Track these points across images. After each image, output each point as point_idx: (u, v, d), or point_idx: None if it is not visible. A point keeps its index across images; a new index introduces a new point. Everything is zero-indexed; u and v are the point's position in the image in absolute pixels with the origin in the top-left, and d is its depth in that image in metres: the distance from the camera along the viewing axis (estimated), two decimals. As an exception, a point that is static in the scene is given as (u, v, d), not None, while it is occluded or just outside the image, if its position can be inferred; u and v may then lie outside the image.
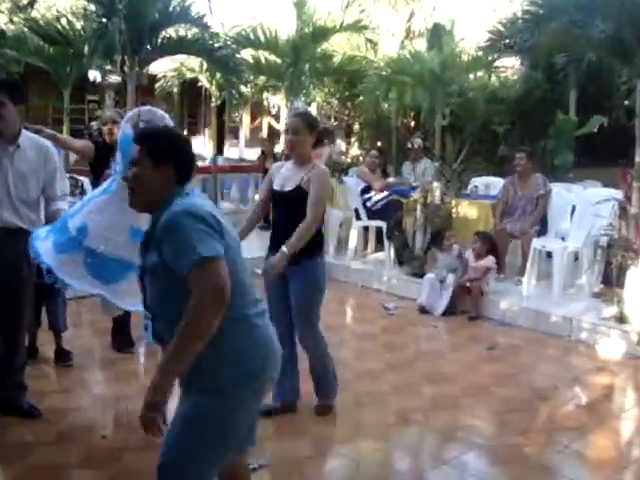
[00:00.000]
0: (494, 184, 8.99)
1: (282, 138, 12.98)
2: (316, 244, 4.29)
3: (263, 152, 11.45)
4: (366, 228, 9.18)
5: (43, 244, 3.71)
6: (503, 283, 7.59)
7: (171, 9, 9.40)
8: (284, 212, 4.30)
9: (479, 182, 9.28)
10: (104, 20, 8.73)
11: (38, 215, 4.20)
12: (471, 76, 10.98)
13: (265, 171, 10.66)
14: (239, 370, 2.46)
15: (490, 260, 7.21)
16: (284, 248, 4.08)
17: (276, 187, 4.32)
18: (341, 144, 15.91)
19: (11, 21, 12.23)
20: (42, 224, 4.11)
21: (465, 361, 5.79)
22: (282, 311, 4.29)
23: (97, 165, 5.48)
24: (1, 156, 4.01)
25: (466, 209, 8.46)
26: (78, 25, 11.00)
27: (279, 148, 12.32)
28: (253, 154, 18.41)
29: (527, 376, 5.54)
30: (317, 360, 4.50)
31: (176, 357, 2.31)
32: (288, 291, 4.33)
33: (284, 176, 4.31)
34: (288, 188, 4.24)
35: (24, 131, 4.12)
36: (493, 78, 11.19)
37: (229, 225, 2.55)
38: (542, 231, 7.78)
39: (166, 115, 3.97)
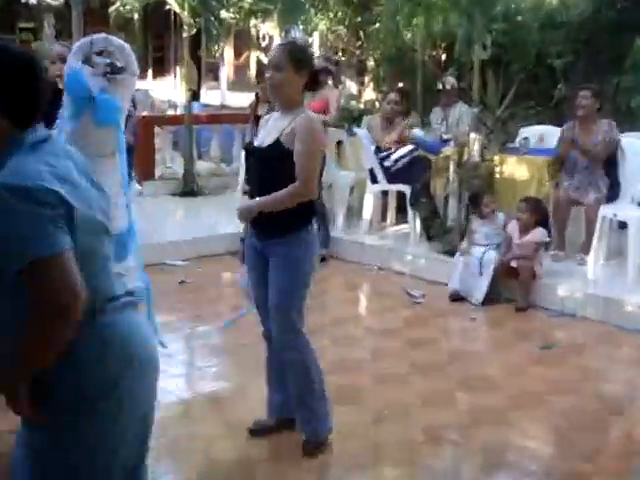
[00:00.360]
0: (550, 135, 8.91)
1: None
2: (301, 212, 4.12)
3: (257, 96, 11.39)
4: (384, 194, 9.16)
5: None
6: (562, 263, 7.59)
7: None
8: (259, 176, 4.19)
9: (530, 133, 9.21)
10: None
11: None
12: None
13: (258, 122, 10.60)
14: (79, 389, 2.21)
15: (539, 233, 7.18)
16: (254, 200, 4.10)
17: (256, 142, 4.28)
18: (351, 85, 15.87)
19: None
20: None
21: (512, 363, 5.79)
22: (265, 301, 4.24)
23: (46, 116, 5.44)
24: None
25: (513, 168, 8.42)
26: None
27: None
28: (239, 99, 18.37)
29: (594, 383, 5.53)
30: (298, 377, 4.26)
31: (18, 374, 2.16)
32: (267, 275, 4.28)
33: (267, 128, 4.24)
34: (265, 144, 4.14)
35: None
36: (550, -5, 11.10)
37: (88, 189, 2.27)
38: (613, 195, 7.74)
39: (126, 45, 3.95)
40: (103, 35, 3.93)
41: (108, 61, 3.80)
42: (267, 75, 4.13)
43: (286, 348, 4.22)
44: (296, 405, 4.33)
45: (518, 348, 6.13)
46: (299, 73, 4.08)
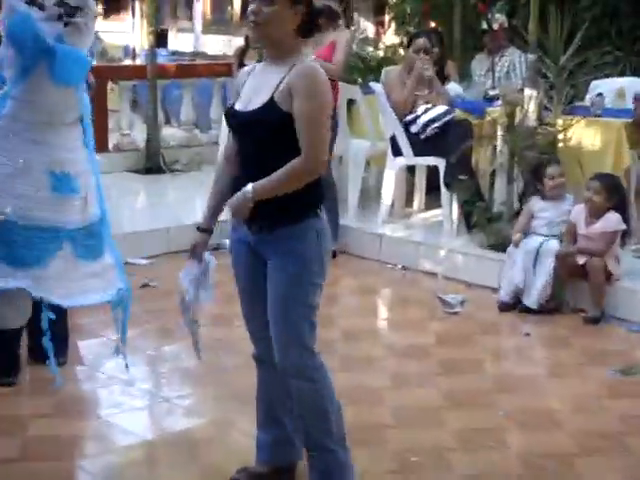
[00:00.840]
0: (632, 89, 8.88)
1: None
2: (307, 193, 4.02)
3: (246, 40, 11.31)
4: (411, 169, 9.16)
5: None
6: (647, 261, 7.60)
7: None
8: (247, 151, 4.09)
9: (606, 87, 9.18)
10: None
11: None
12: None
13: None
14: None
15: (614, 220, 7.12)
16: (249, 185, 3.90)
17: (238, 106, 4.12)
18: (367, 26, 15.87)
19: None
20: None
21: (580, 394, 5.79)
22: (260, 314, 4.21)
23: None
24: None
25: (583, 134, 8.40)
26: None
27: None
28: (217, 44, 18.38)
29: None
30: (310, 412, 4.23)
31: None
32: (264, 279, 4.17)
33: (251, 86, 4.11)
34: (254, 106, 3.99)
35: None
36: None
37: None
38: None
39: None
40: None
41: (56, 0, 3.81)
42: (251, 8, 3.94)
43: (295, 374, 4.13)
44: (304, 438, 4.30)
45: (588, 373, 6.11)
46: (294, 8, 3.96)
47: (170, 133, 12.07)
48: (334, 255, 8.41)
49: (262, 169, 3.91)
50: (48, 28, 3.72)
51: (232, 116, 4.14)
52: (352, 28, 11.04)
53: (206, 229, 4.33)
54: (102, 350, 6.29)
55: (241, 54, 10.57)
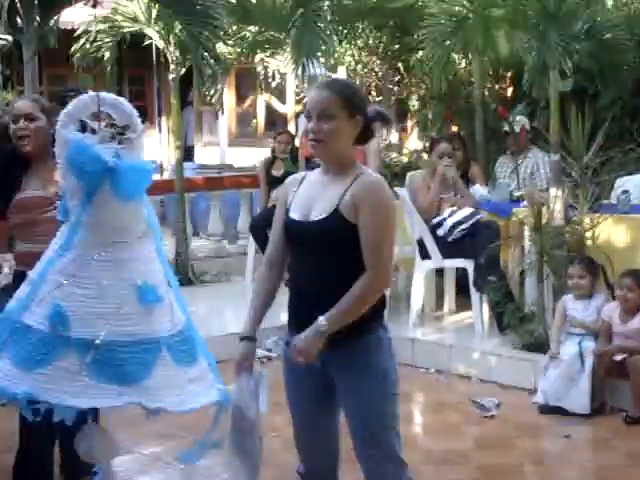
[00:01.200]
0: (659, 187, 8.87)
1: (291, 127, 12.97)
2: (377, 307, 3.90)
3: (274, 153, 11.39)
4: (439, 272, 9.10)
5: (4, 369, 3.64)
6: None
7: None
8: (313, 260, 3.88)
9: (632, 184, 9.14)
10: None
11: None
12: (610, 2, 10.91)
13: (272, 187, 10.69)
14: None
15: None
16: (322, 320, 3.69)
17: (295, 216, 3.93)
18: (390, 132, 15.91)
19: None
20: None
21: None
22: (322, 439, 4.07)
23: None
24: None
25: (610, 231, 8.33)
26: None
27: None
28: (243, 157, 18.48)
29: None
30: None
31: None
32: (330, 398, 3.99)
33: (309, 196, 3.93)
34: (317, 216, 3.82)
35: None
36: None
37: None
38: None
39: (120, 98, 3.99)
40: (105, 94, 3.98)
41: (105, 123, 3.86)
42: (310, 127, 3.84)
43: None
44: None
45: (633, 476, 5.95)
46: (353, 120, 3.87)
47: (198, 245, 12.09)
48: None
49: (323, 279, 3.81)
50: (105, 150, 3.74)
51: (291, 226, 3.95)
52: (377, 135, 11.01)
53: (251, 338, 4.12)
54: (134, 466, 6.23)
55: (268, 165, 10.60)
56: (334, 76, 14.54)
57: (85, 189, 3.69)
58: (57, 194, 5.16)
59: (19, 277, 5.57)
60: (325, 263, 3.81)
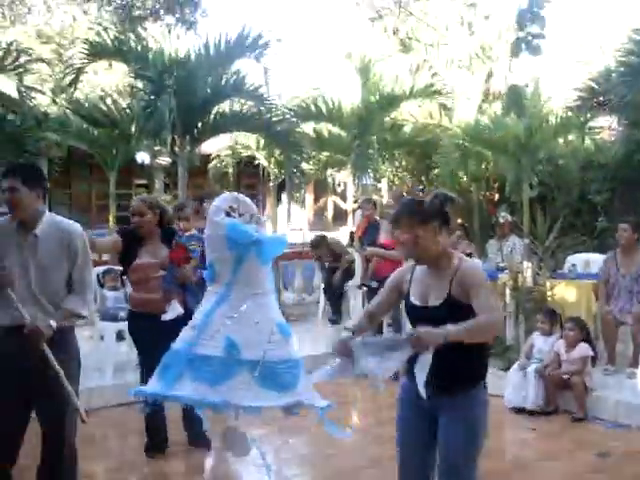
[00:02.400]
0: (595, 261, 8.80)
1: (349, 219, 13.06)
2: (481, 367, 3.43)
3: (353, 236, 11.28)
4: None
5: (191, 388, 3.55)
6: (614, 376, 7.33)
7: (224, 82, 9.70)
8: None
9: (577, 260, 9.10)
10: (152, 97, 9.02)
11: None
12: (561, 140, 10.92)
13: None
14: None
15: (584, 348, 6.98)
16: (449, 327, 3.18)
17: (416, 302, 3.49)
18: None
19: (54, 102, 12.81)
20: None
21: (571, 472, 5.52)
22: (419, 462, 3.57)
23: (125, 258, 5.72)
24: (20, 247, 4.07)
25: (563, 291, 8.27)
26: (124, 104, 11.47)
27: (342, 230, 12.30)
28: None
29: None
30: None
31: None
32: (433, 437, 3.50)
33: (423, 285, 3.47)
34: (434, 302, 3.40)
35: (48, 216, 4.17)
36: (587, 141, 11.08)
37: None
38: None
39: (247, 198, 3.99)
40: (234, 194, 3.98)
41: (239, 213, 3.87)
42: (401, 236, 3.41)
43: None
44: None
45: (576, 457, 5.84)
46: (429, 226, 3.35)
47: (287, 296, 12.09)
48: (396, 377, 8.25)
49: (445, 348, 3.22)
50: (250, 227, 3.76)
51: (413, 310, 3.50)
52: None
53: (353, 333, 3.53)
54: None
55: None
56: (378, 186, 14.67)
57: (237, 257, 3.64)
58: (162, 262, 5.55)
59: (131, 314, 5.90)
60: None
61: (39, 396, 4.07)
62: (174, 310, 5.45)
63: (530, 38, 4.64)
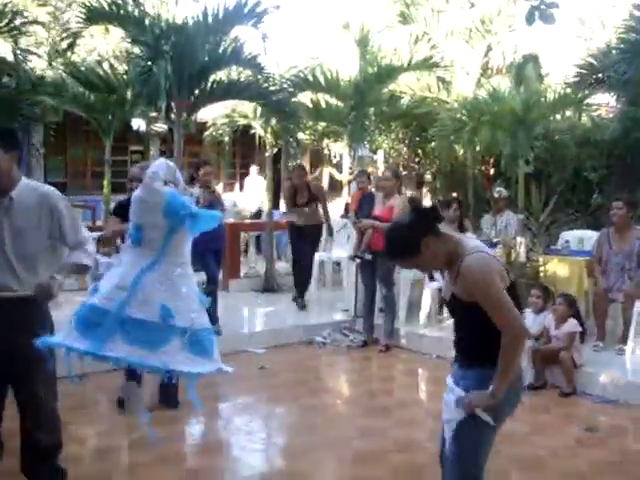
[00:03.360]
0: (588, 238, 8.81)
1: (345, 190, 13.05)
2: (492, 349, 3.19)
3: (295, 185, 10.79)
4: (440, 290, 9.05)
5: (127, 350, 3.55)
6: (602, 353, 7.38)
7: (221, 50, 9.61)
8: (456, 322, 3.44)
9: (570, 236, 9.10)
10: (149, 63, 8.95)
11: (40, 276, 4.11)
12: (558, 116, 10.88)
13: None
14: None
15: (573, 324, 6.99)
16: (490, 389, 3.15)
17: (443, 294, 3.56)
18: (413, 194, 15.92)
19: (50, 66, 12.70)
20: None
21: (559, 445, 5.56)
22: None
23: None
24: None
25: (556, 267, 8.30)
26: (121, 69, 11.39)
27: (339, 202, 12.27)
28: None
29: (637, 465, 5.27)
30: None
31: None
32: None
33: (446, 278, 3.43)
34: (447, 297, 3.41)
35: (24, 181, 4.13)
36: (584, 118, 11.04)
37: None
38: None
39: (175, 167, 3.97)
40: (171, 164, 3.93)
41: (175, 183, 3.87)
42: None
43: None
44: None
45: (564, 431, 5.90)
46: (424, 246, 3.23)
47: (280, 265, 12.10)
48: (387, 348, 8.33)
49: (465, 335, 3.34)
50: (187, 199, 3.77)
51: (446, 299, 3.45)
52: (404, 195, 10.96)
53: None
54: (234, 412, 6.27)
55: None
56: (374, 157, 14.64)
57: (171, 225, 3.64)
58: None
59: None
60: (461, 326, 3.36)
61: (11, 362, 4.02)
62: None
63: (543, 7, 4.61)
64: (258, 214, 12.57)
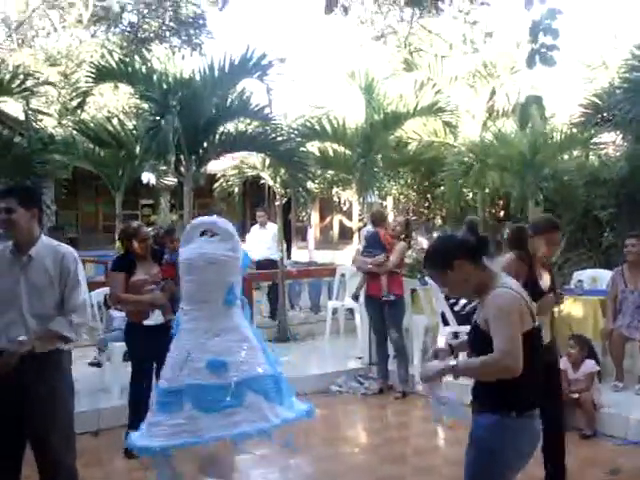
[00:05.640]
0: (601, 277, 8.76)
1: (355, 237, 13.05)
2: (502, 395, 3.20)
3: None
4: (455, 335, 8.97)
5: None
6: (622, 393, 7.26)
7: (229, 103, 9.71)
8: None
9: (584, 276, 9.05)
10: (157, 118, 9.04)
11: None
12: (566, 156, 10.90)
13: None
14: None
15: (590, 364, 6.92)
16: (454, 361, 3.31)
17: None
18: (422, 240, 15.90)
19: (60, 124, 12.86)
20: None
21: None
22: None
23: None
24: (14, 268, 4.07)
25: (570, 307, 8.19)
26: (130, 125, 11.51)
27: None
28: (324, 256, 18.54)
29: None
30: None
31: None
32: None
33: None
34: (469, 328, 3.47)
35: (43, 239, 4.17)
36: (592, 157, 11.07)
37: None
38: (664, 330, 7.45)
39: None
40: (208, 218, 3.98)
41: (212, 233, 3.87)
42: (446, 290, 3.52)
43: None
44: None
45: (587, 474, 5.79)
46: (452, 269, 3.30)
47: (294, 314, 12.03)
48: (404, 395, 8.24)
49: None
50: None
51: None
52: (412, 242, 10.95)
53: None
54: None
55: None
56: (384, 204, 14.66)
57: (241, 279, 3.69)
58: (154, 278, 6.19)
59: (127, 325, 6.45)
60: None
61: (28, 418, 4.01)
62: (157, 317, 6.13)
63: (544, 50, 4.65)
64: (264, 265, 12.53)
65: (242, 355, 3.54)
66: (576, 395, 6.76)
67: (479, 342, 3.25)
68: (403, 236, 8.63)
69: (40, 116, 10.86)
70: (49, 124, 12.46)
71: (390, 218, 12.35)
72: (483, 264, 3.31)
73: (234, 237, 3.67)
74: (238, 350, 3.56)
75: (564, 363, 6.98)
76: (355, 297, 9.09)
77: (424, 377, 3.38)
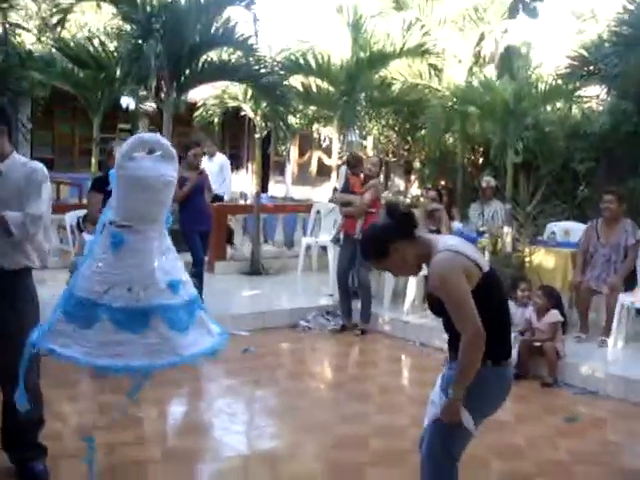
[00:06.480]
0: (574, 230, 8.84)
1: (333, 175, 13.03)
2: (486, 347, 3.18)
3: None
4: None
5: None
6: (585, 344, 7.41)
7: (213, 30, 9.53)
8: (443, 322, 3.41)
9: (557, 228, 9.13)
10: (140, 41, 8.88)
11: (24, 252, 4.13)
12: (549, 107, 10.89)
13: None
14: None
15: (554, 314, 7.02)
16: (450, 391, 3.22)
17: None
18: (400, 183, 15.93)
19: (39, 40, 12.60)
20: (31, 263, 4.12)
21: (539, 434, 5.59)
22: None
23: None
24: None
25: (542, 258, 8.32)
26: (111, 47, 11.30)
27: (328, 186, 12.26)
28: (301, 192, 18.54)
29: (615, 456, 5.32)
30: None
31: None
32: None
33: None
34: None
35: (15, 156, 4.14)
36: (574, 110, 11.07)
37: None
38: (630, 285, 7.56)
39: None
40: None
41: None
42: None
43: (429, 469, 3.47)
44: None
45: (544, 421, 5.93)
46: (394, 250, 3.31)
47: (267, 249, 12.07)
48: (363, 332, 8.35)
49: (452, 334, 3.27)
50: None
51: None
52: (389, 183, 10.99)
53: None
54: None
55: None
56: (364, 143, 14.61)
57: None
58: None
59: None
60: (446, 324, 3.29)
61: None
62: None
63: (527, 0, 4.60)
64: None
65: (185, 274, 3.55)
66: (537, 343, 6.90)
67: (437, 306, 3.26)
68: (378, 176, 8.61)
69: (18, 31, 10.63)
70: (28, 40, 12.21)
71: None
72: (415, 236, 3.33)
73: (175, 157, 3.59)
74: (180, 268, 3.54)
75: (529, 312, 7.11)
76: (336, 240, 9.04)
77: (453, 423, 3.30)
